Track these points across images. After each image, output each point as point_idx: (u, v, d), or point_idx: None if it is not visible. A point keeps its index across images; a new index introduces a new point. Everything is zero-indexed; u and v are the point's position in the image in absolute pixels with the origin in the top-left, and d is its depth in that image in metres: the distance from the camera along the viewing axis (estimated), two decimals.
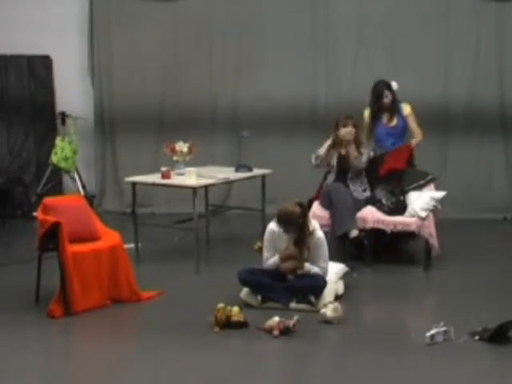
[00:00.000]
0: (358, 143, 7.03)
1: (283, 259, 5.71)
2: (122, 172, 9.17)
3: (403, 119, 7.36)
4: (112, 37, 9.37)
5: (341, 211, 6.76)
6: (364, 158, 7.00)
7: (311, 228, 5.73)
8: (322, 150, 7.01)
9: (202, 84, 9.25)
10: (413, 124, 7.40)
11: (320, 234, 5.78)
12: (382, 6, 9.06)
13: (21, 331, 5.29)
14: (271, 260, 5.79)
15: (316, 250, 5.74)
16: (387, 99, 7.30)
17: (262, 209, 7.42)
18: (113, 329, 5.47)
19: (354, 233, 6.72)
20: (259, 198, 7.47)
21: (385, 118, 7.35)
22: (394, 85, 7.37)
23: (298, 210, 5.62)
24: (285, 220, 5.64)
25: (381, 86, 7.33)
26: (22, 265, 6.74)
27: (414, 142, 7.38)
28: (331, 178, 7.09)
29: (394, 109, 7.34)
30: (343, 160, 7.03)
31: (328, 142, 7.02)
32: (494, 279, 6.51)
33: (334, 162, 7.04)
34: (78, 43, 9.46)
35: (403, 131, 7.38)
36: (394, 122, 7.34)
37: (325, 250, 5.78)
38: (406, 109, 7.38)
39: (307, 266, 5.71)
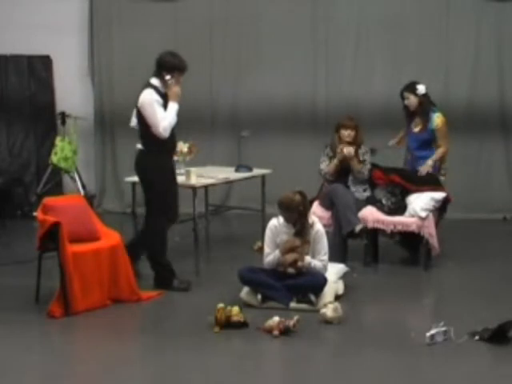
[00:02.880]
0: (358, 144, 7.05)
1: (284, 252, 5.73)
2: (121, 172, 9.16)
3: (429, 131, 7.06)
4: (112, 36, 9.37)
5: (344, 210, 6.78)
6: (366, 169, 7.00)
7: (311, 221, 5.79)
8: (329, 169, 7.03)
9: (202, 84, 9.24)
10: (439, 137, 7.07)
11: (320, 226, 5.83)
12: (381, 5, 9.05)
13: (21, 331, 5.30)
14: (271, 256, 5.80)
15: (316, 242, 5.76)
16: (407, 101, 7.11)
17: (262, 209, 7.43)
18: (113, 329, 5.47)
19: (359, 227, 6.76)
20: (259, 197, 7.48)
21: (414, 122, 7.17)
22: (420, 88, 7.10)
23: (298, 197, 5.70)
24: (286, 206, 5.70)
25: (403, 89, 7.14)
26: (22, 265, 6.74)
27: (430, 161, 7.00)
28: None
29: (421, 114, 7.08)
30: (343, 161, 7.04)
31: (335, 162, 7.01)
32: (494, 279, 6.50)
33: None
34: (77, 43, 9.46)
35: (427, 141, 7.08)
36: (419, 128, 7.11)
37: (325, 242, 5.81)
38: (436, 122, 7.06)
39: (307, 258, 5.72)
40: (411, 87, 7.12)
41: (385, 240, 7.07)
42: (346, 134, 7.01)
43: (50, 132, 9.50)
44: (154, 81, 6.07)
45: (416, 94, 7.09)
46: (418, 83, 7.14)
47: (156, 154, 6.10)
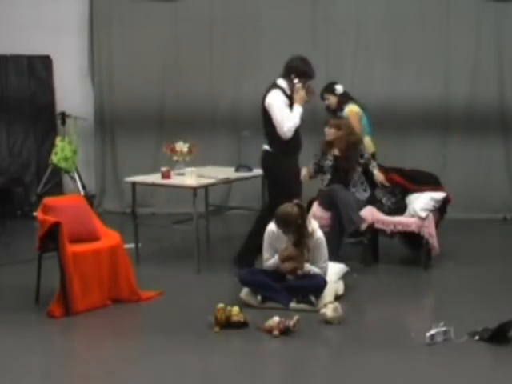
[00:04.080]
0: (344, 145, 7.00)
1: (282, 260, 5.71)
2: (121, 172, 9.18)
3: None
4: (112, 37, 9.38)
5: (346, 210, 6.74)
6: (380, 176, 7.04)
7: (310, 229, 5.73)
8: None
9: (202, 84, 9.25)
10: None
11: (320, 234, 5.77)
12: (381, 6, 9.06)
13: (21, 331, 5.30)
14: (271, 261, 5.78)
15: (316, 250, 5.73)
16: (327, 102, 7.48)
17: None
18: (113, 329, 5.47)
19: (364, 226, 6.74)
20: (259, 198, 7.48)
21: None
22: (338, 88, 7.45)
23: (296, 210, 5.61)
24: (283, 221, 5.63)
25: (321, 91, 7.45)
26: (22, 265, 6.74)
27: None
28: (326, 178, 7.06)
29: (340, 111, 7.43)
30: (339, 161, 7.00)
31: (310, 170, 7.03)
32: (494, 279, 6.50)
33: (328, 164, 7.04)
34: (77, 43, 9.47)
35: None
36: None
37: (324, 250, 5.78)
38: (345, 112, 7.38)
39: (307, 266, 5.71)
40: (330, 88, 7.48)
41: (385, 240, 7.07)
42: (327, 132, 6.99)
43: (50, 132, 9.51)
44: (281, 82, 6.30)
45: (335, 94, 7.43)
46: (336, 83, 7.49)
47: (281, 155, 6.31)
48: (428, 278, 6.68)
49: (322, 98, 7.49)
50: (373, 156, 7.39)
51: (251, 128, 8.48)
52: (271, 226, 5.80)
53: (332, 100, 7.44)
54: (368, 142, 7.44)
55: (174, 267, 6.86)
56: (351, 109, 7.40)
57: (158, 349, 4.94)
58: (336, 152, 7.01)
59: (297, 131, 6.30)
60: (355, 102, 7.49)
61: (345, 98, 7.43)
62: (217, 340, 5.11)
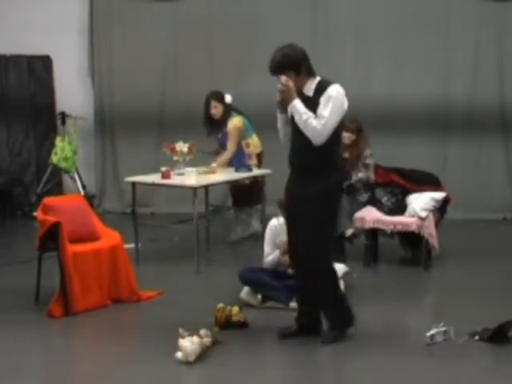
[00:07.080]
0: (361, 149, 6.98)
1: (284, 253, 5.72)
2: (122, 172, 9.18)
3: (224, 134, 7.47)
4: (112, 37, 9.39)
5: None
6: (371, 173, 6.99)
7: None
8: None
9: (202, 84, 9.23)
10: (230, 140, 7.42)
11: None
12: (381, 6, 9.06)
13: (21, 331, 5.29)
14: (271, 256, 5.80)
15: None
16: (214, 110, 7.41)
17: (262, 209, 7.42)
18: (113, 329, 5.47)
19: (349, 232, 6.81)
20: (259, 198, 7.47)
21: (221, 131, 7.51)
22: (227, 97, 7.45)
23: None
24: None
25: (209, 96, 7.42)
26: (22, 265, 6.75)
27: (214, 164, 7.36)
28: None
29: (222, 122, 7.43)
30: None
31: None
32: (494, 279, 6.50)
33: None
34: (77, 43, 9.48)
35: (224, 145, 7.51)
36: (220, 134, 7.52)
37: None
38: (230, 123, 7.42)
39: None
40: (219, 96, 7.41)
41: (385, 240, 7.07)
42: (346, 136, 6.83)
43: (50, 132, 9.52)
44: None
45: (224, 104, 7.41)
46: (223, 93, 7.45)
47: None
48: (428, 278, 6.68)
49: (208, 105, 7.40)
50: (259, 156, 7.55)
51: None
52: (273, 221, 5.84)
53: (219, 109, 7.40)
54: (256, 142, 7.57)
55: (174, 267, 6.86)
56: (235, 124, 7.41)
57: (157, 349, 4.94)
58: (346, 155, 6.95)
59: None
60: (237, 112, 7.51)
61: (229, 110, 7.44)
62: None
